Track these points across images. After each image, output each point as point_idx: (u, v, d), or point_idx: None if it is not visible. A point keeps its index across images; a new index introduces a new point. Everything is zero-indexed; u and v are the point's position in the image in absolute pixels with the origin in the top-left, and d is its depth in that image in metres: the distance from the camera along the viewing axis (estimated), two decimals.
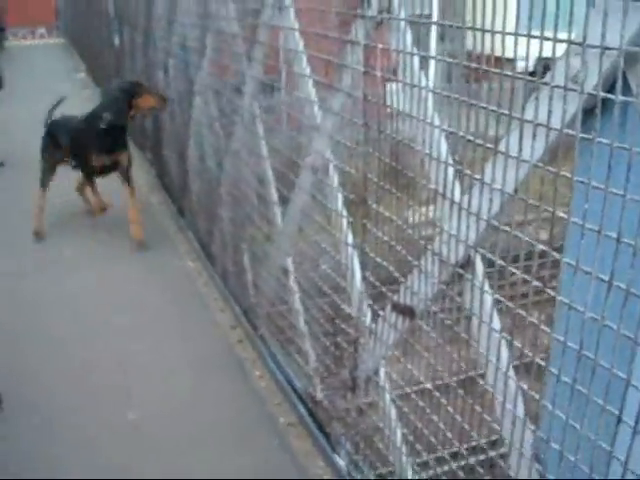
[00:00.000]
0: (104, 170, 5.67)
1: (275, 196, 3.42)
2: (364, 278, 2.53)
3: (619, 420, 1.39)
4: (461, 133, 1.73)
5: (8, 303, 4.59)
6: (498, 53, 1.62)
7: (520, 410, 1.72)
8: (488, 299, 1.77)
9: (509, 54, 1.56)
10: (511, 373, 1.72)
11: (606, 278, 1.34)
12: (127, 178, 5.61)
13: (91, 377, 3.74)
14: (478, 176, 1.68)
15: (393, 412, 2.54)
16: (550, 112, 1.43)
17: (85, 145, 5.52)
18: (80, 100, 11.87)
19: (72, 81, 14.04)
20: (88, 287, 4.82)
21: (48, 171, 5.84)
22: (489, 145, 1.62)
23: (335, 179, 2.67)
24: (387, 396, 2.53)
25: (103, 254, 5.36)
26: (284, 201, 3.34)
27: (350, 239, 2.61)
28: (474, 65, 1.66)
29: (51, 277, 4.99)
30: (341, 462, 2.97)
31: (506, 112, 1.57)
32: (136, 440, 3.27)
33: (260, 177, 3.55)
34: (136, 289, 4.81)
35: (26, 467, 3.08)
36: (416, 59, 1.93)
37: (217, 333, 4.23)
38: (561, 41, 1.39)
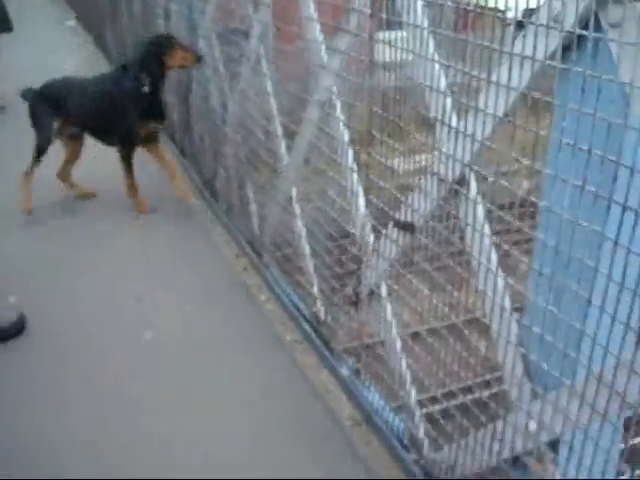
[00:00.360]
0: (146, 141, 5.19)
1: (280, 130, 3.70)
2: (367, 201, 2.83)
3: (589, 302, 1.70)
4: (459, 67, 2.01)
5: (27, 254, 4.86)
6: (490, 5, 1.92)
7: (507, 304, 2.02)
8: (480, 210, 2.07)
9: (499, 5, 1.84)
10: (500, 272, 2.02)
11: (579, 184, 1.64)
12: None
13: (107, 308, 4.04)
14: (473, 103, 1.96)
15: (394, 323, 2.85)
16: (535, 47, 1.70)
17: (126, 112, 4.95)
18: (70, 47, 12.03)
19: (62, 29, 14.09)
20: (99, 233, 5.04)
21: (45, 146, 5.23)
22: (482, 76, 1.90)
23: (339, 110, 2.96)
24: (388, 308, 2.84)
25: (108, 198, 5.56)
26: (290, 136, 3.62)
27: (354, 165, 2.90)
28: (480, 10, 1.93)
29: (65, 225, 5.23)
30: (345, 372, 3.29)
31: (497, 47, 1.85)
32: (153, 356, 3.59)
33: (266, 114, 3.82)
34: (144, 227, 5.07)
35: (50, 386, 3.38)
36: (419, 4, 2.20)
37: (223, 263, 4.53)
38: None
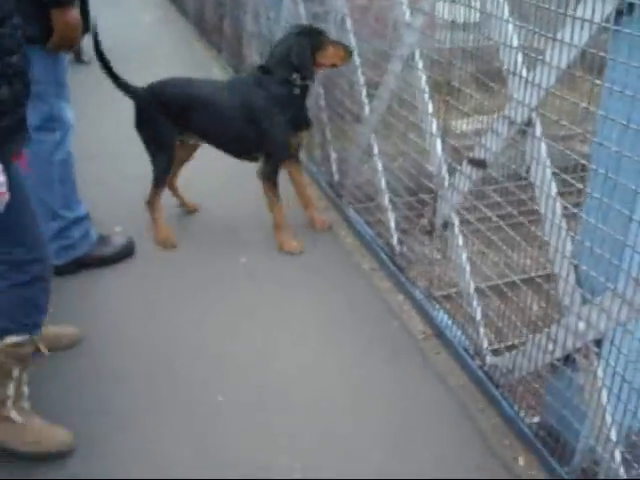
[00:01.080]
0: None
1: (363, 81, 4.18)
2: (444, 142, 3.28)
3: (630, 219, 2.12)
4: (530, 27, 2.43)
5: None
6: None
7: (564, 224, 2.45)
8: (544, 147, 2.49)
9: None
10: (558, 198, 2.45)
11: (625, 123, 2.06)
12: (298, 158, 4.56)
13: (209, 235, 4.60)
14: (540, 57, 2.38)
15: (464, 253, 3.28)
16: (593, 11, 2.12)
17: (277, 122, 4.16)
18: (146, 3, 12.46)
19: None
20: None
21: (167, 173, 4.41)
22: (549, 35, 2.32)
23: (420, 64, 3.40)
24: (460, 237, 3.28)
25: None
26: (371, 86, 4.08)
27: (431, 110, 3.35)
28: None
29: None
30: (419, 296, 3.74)
31: (562, 12, 2.26)
32: (249, 279, 4.09)
33: (350, 68, 4.26)
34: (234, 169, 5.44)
35: (154, 299, 3.92)
36: None
37: None
38: None
